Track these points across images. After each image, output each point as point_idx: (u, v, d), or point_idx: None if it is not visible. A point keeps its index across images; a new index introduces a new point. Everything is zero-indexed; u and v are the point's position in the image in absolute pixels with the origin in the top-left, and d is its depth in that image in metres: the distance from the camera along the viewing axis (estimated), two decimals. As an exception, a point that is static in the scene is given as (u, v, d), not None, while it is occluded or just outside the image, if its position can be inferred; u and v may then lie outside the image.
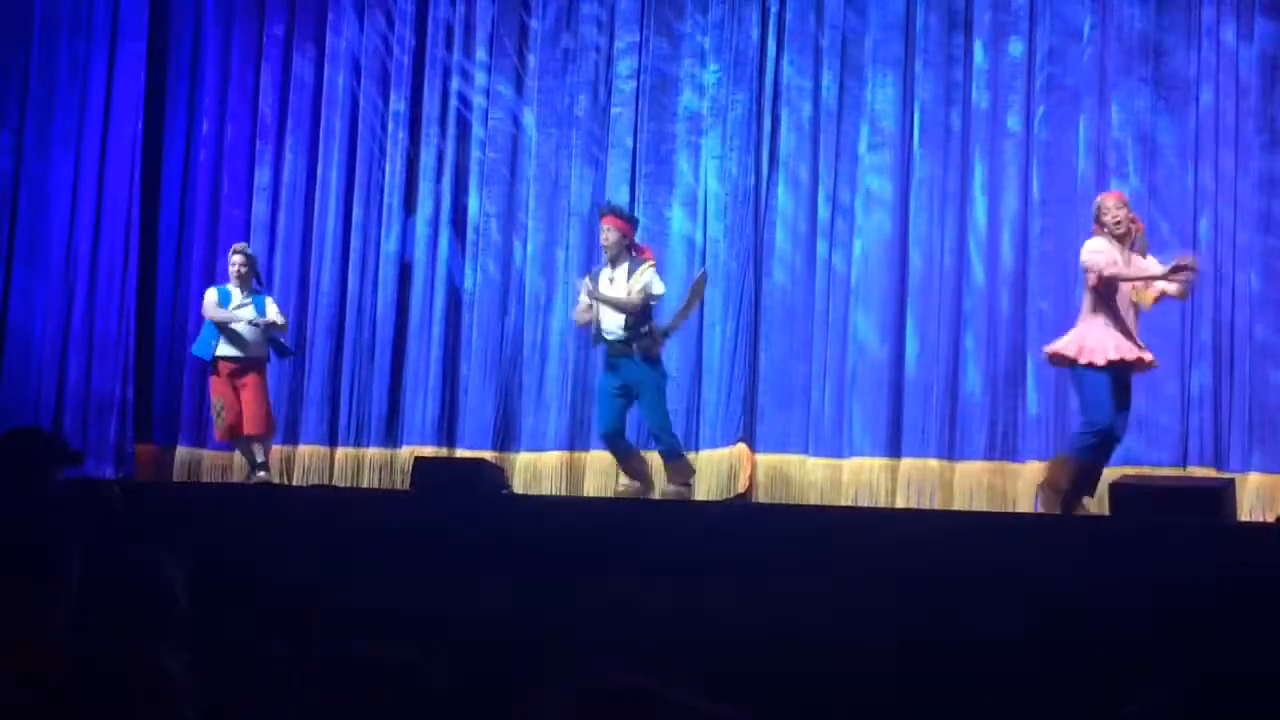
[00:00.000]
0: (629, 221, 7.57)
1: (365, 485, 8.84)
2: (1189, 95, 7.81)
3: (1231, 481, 6.31)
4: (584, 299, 7.48)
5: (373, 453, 9.00)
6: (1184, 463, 7.54)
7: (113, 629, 2.89)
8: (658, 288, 7.40)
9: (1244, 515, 6.75)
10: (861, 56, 8.39)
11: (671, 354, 8.18)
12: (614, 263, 7.42)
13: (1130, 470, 7.06)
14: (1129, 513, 5.76)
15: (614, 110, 8.83)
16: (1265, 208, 7.64)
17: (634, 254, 7.44)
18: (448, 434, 8.91)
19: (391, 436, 9.02)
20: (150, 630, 2.85)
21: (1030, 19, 8.08)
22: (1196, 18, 7.81)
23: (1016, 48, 8.09)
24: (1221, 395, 7.60)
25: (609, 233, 7.42)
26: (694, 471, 7.65)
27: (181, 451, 9.35)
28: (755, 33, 8.56)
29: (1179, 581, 4.85)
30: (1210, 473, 7.34)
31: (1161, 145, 7.84)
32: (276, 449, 9.02)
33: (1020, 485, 7.72)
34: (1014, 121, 8.07)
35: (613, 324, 7.36)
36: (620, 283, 7.36)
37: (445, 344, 9.01)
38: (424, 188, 9.18)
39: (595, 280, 7.45)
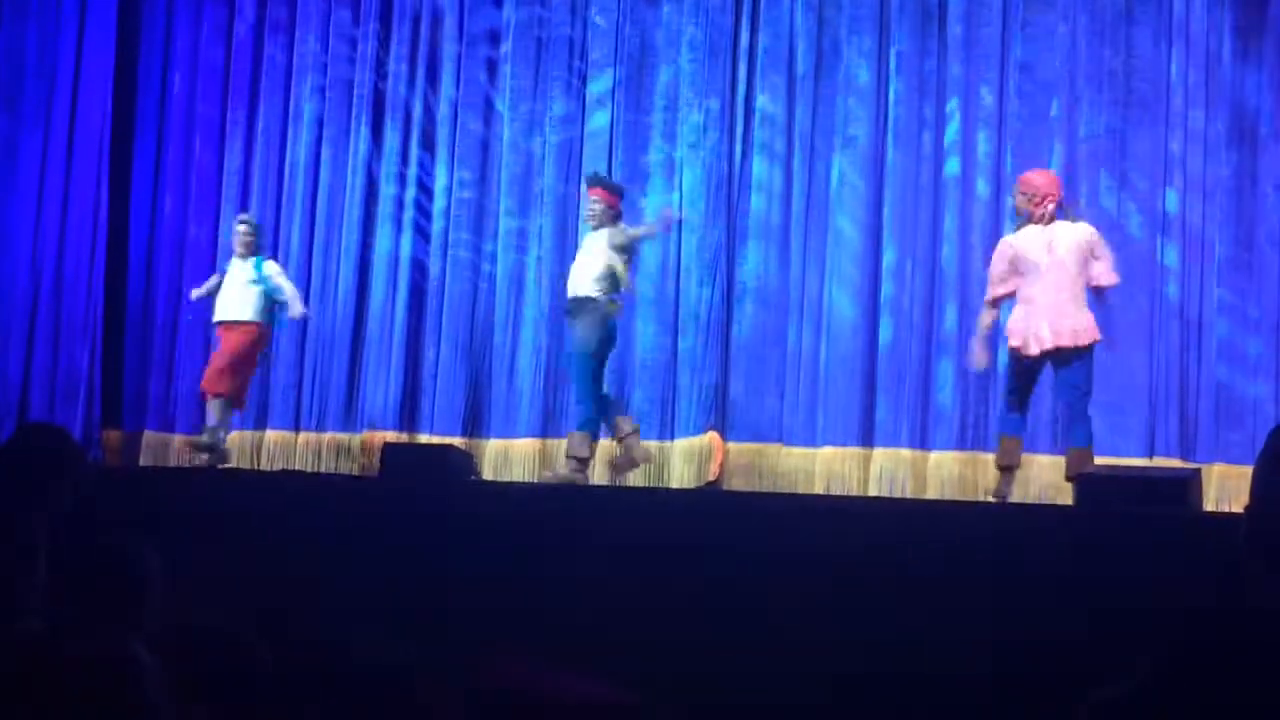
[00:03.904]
0: (615, 192, 7.54)
1: (326, 470, 8.82)
2: (1160, 91, 7.85)
3: (1198, 472, 6.35)
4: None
5: (333, 437, 8.99)
6: (1151, 453, 7.59)
7: (84, 617, 2.88)
8: (629, 232, 7.38)
9: (1210, 506, 6.80)
10: (838, 42, 8.41)
11: (644, 341, 8.20)
12: (598, 230, 7.41)
13: (1098, 460, 7.11)
14: (1095, 502, 5.80)
15: (588, 93, 8.82)
16: (1235, 200, 7.70)
17: (618, 223, 7.44)
18: (409, 419, 8.90)
19: (351, 421, 9.00)
20: (122, 618, 2.84)
21: (1004, 9, 8.12)
22: (1168, 11, 7.86)
23: (990, 37, 8.12)
24: (1188, 386, 7.66)
25: (594, 204, 7.42)
26: (591, 455, 7.42)
27: (149, 436, 9.31)
28: (730, 18, 8.56)
29: (1145, 570, 4.89)
30: (1177, 463, 7.39)
31: (1131, 141, 7.89)
32: (247, 435, 9.00)
33: (991, 475, 7.76)
34: (988, 112, 8.09)
35: (581, 282, 7.31)
36: (598, 246, 7.33)
37: (408, 329, 8.99)
38: (392, 170, 9.16)
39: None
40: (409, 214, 9.12)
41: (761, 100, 8.49)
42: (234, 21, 9.52)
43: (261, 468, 8.86)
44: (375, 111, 9.22)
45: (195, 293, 8.58)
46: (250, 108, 9.49)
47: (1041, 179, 6.81)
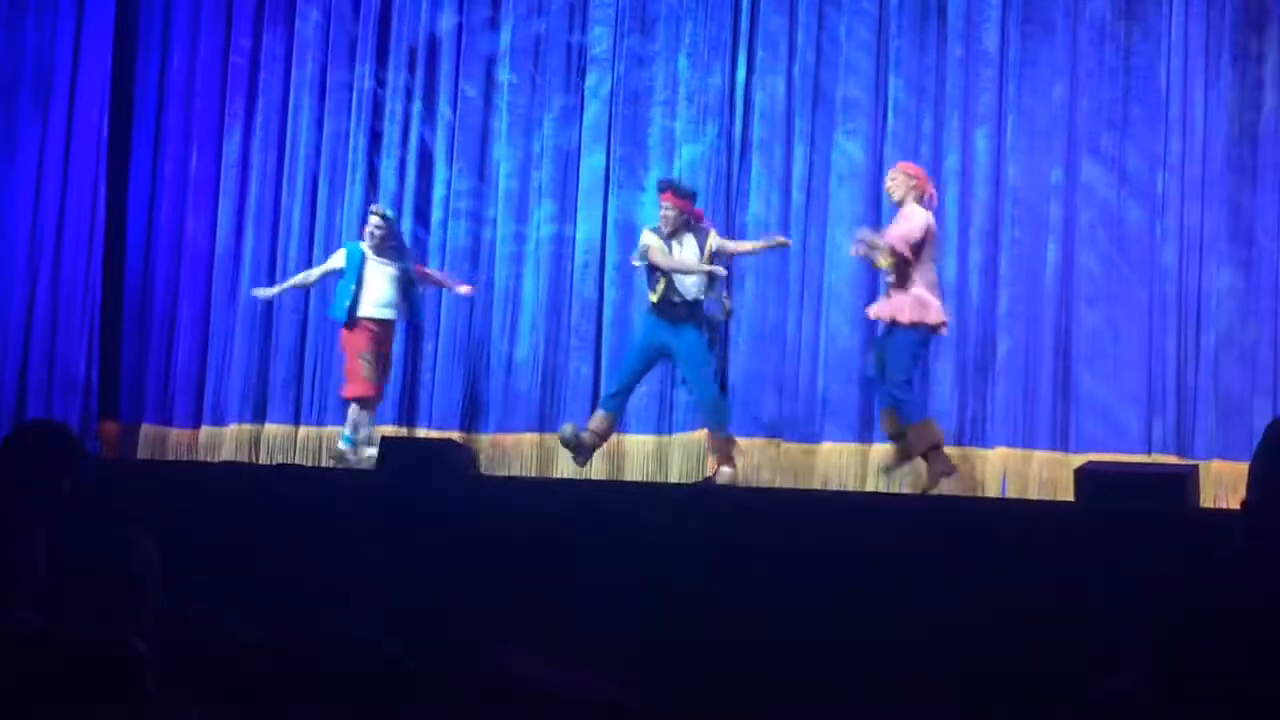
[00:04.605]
0: (687, 196, 7.63)
1: (325, 465, 8.81)
2: (1159, 84, 7.85)
3: (1195, 468, 6.36)
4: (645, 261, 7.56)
5: (334, 431, 8.98)
6: (1149, 450, 7.60)
7: (80, 608, 2.87)
8: (729, 247, 7.63)
9: (1207, 502, 6.81)
10: (836, 39, 8.40)
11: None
12: (674, 235, 7.49)
13: (1096, 456, 7.13)
14: (1094, 498, 5.81)
15: (587, 89, 8.81)
16: (1233, 196, 7.70)
17: (697, 223, 7.58)
18: (408, 414, 8.89)
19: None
20: (119, 611, 2.83)
21: (1004, 5, 8.11)
22: (1167, 12, 7.85)
23: (990, 33, 8.11)
24: (1185, 382, 7.66)
25: (668, 209, 7.51)
26: (737, 447, 7.68)
27: (146, 429, 9.30)
28: (729, 15, 8.55)
29: (1143, 566, 4.89)
30: (1174, 460, 7.40)
31: (1131, 134, 7.89)
32: (246, 428, 8.99)
33: (989, 471, 7.77)
34: (987, 107, 8.09)
35: (686, 286, 7.43)
36: (691, 251, 7.47)
37: (407, 323, 8.97)
38: (390, 164, 9.14)
39: (667, 245, 7.50)
40: (409, 204, 9.11)
41: (760, 95, 8.49)
42: (232, 13, 9.50)
43: (260, 462, 8.85)
44: (375, 102, 9.21)
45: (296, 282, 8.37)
46: (249, 99, 9.47)
47: (919, 168, 7.30)
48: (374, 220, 8.17)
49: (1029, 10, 8.08)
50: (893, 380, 7.03)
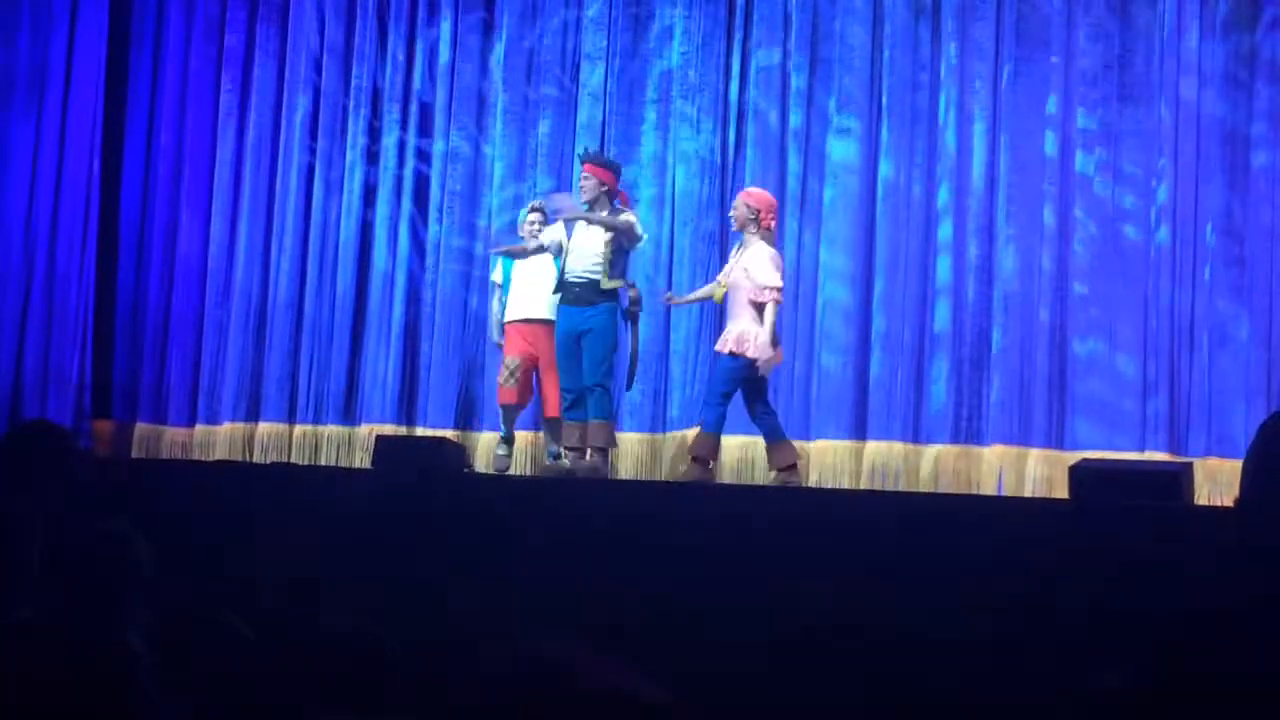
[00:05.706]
0: (608, 168, 7.44)
1: (323, 463, 8.81)
2: (1153, 83, 7.85)
3: (1189, 466, 6.38)
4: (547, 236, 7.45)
5: (331, 430, 8.98)
6: (1143, 447, 7.61)
7: (76, 605, 2.87)
8: (639, 228, 7.33)
9: (1201, 500, 6.83)
10: (831, 36, 8.41)
11: (639, 334, 8.21)
12: (592, 209, 7.31)
13: (1089, 455, 7.14)
14: (1088, 495, 5.82)
15: (581, 88, 8.82)
16: (1226, 195, 7.71)
17: (616, 203, 7.38)
18: (407, 412, 8.90)
19: (350, 414, 8.99)
20: (114, 608, 2.84)
21: (998, 3, 8.12)
22: (1160, 11, 7.86)
23: (984, 31, 8.12)
24: (1179, 381, 7.68)
25: (585, 180, 7.33)
26: (615, 444, 7.55)
27: (140, 428, 9.30)
28: (724, 12, 8.56)
29: (1137, 563, 4.90)
30: (1168, 457, 7.41)
31: (1124, 132, 7.90)
32: (240, 427, 8.98)
33: (984, 468, 7.78)
34: (983, 104, 8.09)
35: (581, 265, 7.25)
36: (597, 230, 7.24)
37: (405, 322, 8.99)
38: (386, 162, 9.15)
39: (569, 226, 7.34)
40: (406, 202, 9.11)
41: (754, 92, 8.49)
42: (226, 10, 9.50)
43: (254, 461, 8.85)
44: (371, 99, 9.21)
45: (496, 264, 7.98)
46: (242, 95, 9.47)
47: (765, 195, 7.28)
48: (533, 217, 7.80)
49: (1023, 7, 8.08)
50: (715, 396, 7.07)
